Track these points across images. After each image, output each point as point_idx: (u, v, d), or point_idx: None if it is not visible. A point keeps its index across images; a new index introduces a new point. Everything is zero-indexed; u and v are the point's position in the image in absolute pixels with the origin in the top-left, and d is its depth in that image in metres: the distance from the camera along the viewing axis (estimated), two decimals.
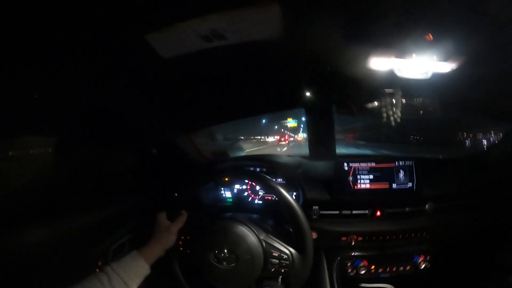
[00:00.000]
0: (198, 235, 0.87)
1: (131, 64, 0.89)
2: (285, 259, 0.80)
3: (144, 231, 1.05)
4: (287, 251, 0.81)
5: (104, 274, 0.69)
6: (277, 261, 0.81)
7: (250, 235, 0.82)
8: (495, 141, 1.42)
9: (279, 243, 0.83)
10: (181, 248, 0.89)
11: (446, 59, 0.93)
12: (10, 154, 1.07)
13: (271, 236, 0.84)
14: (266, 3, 0.65)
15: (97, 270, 0.87)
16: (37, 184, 1.06)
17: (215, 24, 0.67)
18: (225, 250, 0.80)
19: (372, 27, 0.82)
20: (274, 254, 0.81)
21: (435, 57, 0.93)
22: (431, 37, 0.85)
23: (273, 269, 0.81)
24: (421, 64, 0.94)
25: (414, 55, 0.91)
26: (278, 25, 0.72)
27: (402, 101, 1.07)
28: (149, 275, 0.78)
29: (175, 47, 0.75)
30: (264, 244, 0.82)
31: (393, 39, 0.87)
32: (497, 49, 0.89)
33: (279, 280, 0.85)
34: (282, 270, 0.81)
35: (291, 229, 0.98)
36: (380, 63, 0.95)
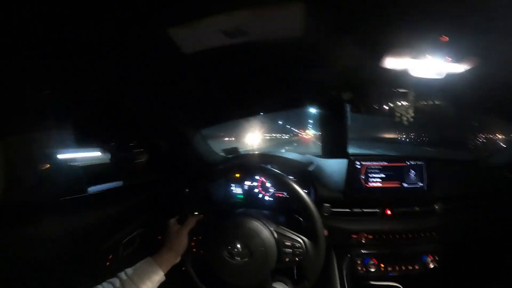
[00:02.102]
0: (209, 234, 0.87)
1: (146, 59, 0.89)
2: (298, 247, 0.81)
3: (154, 225, 1.06)
4: (299, 240, 0.81)
5: (118, 279, 0.70)
6: (291, 250, 0.81)
7: (262, 229, 0.82)
8: (507, 143, 1.42)
9: (290, 232, 0.83)
10: (194, 250, 0.89)
11: (460, 60, 0.93)
12: (20, 149, 1.07)
13: (282, 226, 0.85)
14: (290, 2, 0.65)
15: (107, 263, 0.89)
16: (49, 179, 1.07)
17: (240, 20, 0.67)
18: (238, 245, 0.80)
19: (388, 27, 0.83)
20: (286, 243, 0.81)
21: (449, 58, 0.93)
22: (446, 38, 0.86)
23: (287, 259, 0.81)
24: (435, 64, 0.95)
25: (428, 55, 0.92)
26: (300, 23, 0.73)
27: (415, 102, 1.08)
28: (164, 282, 0.78)
29: (197, 43, 0.75)
30: (276, 235, 0.82)
31: (408, 39, 0.87)
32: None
33: (294, 272, 0.85)
34: (297, 259, 0.81)
35: (301, 219, 0.99)
36: (394, 63, 0.95)
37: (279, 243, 0.82)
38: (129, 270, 0.73)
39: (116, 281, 0.70)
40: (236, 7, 0.65)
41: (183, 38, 0.75)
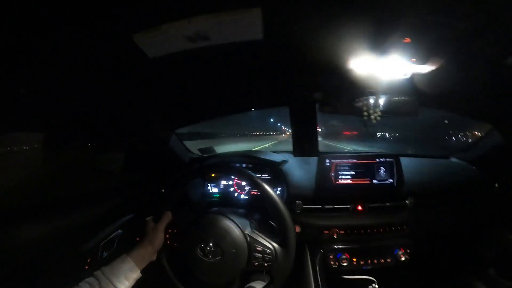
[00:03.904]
0: (184, 229, 0.90)
1: (118, 62, 0.89)
2: (268, 254, 0.83)
3: (133, 227, 1.07)
4: (270, 246, 0.83)
5: (95, 278, 0.71)
6: (261, 255, 0.83)
7: (234, 229, 0.84)
8: (476, 140, 1.47)
9: (263, 238, 0.85)
10: (168, 242, 0.92)
11: (425, 60, 0.97)
12: None
13: (255, 231, 0.87)
14: (248, 6, 0.68)
15: (86, 266, 0.89)
16: (26, 182, 1.06)
17: (199, 26, 0.69)
18: (211, 244, 0.83)
19: (353, 28, 0.85)
20: (257, 248, 0.84)
21: (413, 59, 0.96)
22: (409, 40, 0.89)
23: (256, 263, 0.84)
24: (400, 65, 0.98)
25: (393, 56, 0.95)
26: (260, 27, 0.75)
27: (382, 100, 1.11)
28: (141, 278, 0.79)
29: (160, 47, 0.77)
30: (248, 239, 0.84)
31: (372, 40, 0.90)
32: (474, 50, 0.92)
33: (264, 273, 0.88)
34: (266, 264, 0.83)
35: (275, 224, 1.02)
36: (360, 64, 0.99)
37: (251, 247, 0.84)
38: (105, 269, 0.74)
39: (92, 280, 0.70)
40: (194, 14, 0.67)
41: (147, 44, 0.77)
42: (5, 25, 0.59)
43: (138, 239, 0.93)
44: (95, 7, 0.62)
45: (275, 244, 0.84)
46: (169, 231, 0.92)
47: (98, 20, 0.67)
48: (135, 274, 0.78)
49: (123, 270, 0.76)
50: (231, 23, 0.72)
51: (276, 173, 1.21)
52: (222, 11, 0.68)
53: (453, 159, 1.45)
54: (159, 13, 0.67)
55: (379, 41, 0.90)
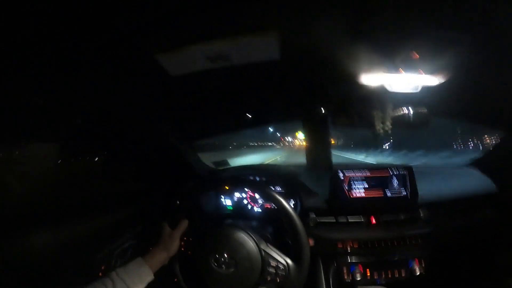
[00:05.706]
0: (199, 239, 0.92)
1: (137, 73, 0.92)
2: (282, 270, 0.84)
3: (147, 236, 1.08)
4: (284, 262, 0.85)
5: (109, 279, 0.71)
6: (274, 271, 0.84)
7: (249, 242, 0.86)
8: (489, 148, 1.46)
9: (277, 253, 0.87)
10: (182, 249, 0.93)
11: (433, 73, 0.99)
12: (13, 159, 1.10)
13: (270, 245, 0.88)
14: (265, 29, 0.71)
15: (100, 274, 0.91)
16: (41, 189, 1.09)
17: (221, 47, 0.73)
18: (225, 255, 0.85)
19: (363, 45, 0.88)
20: (271, 263, 0.85)
21: (422, 73, 0.99)
22: (417, 56, 0.92)
23: (269, 278, 0.85)
24: (410, 79, 1.00)
25: (402, 71, 0.98)
26: (276, 47, 0.79)
27: (393, 113, 1.13)
28: (152, 281, 0.80)
29: (182, 67, 0.81)
30: (263, 254, 0.86)
31: (382, 56, 0.93)
32: (482, 59, 0.94)
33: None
34: (278, 280, 0.84)
35: (290, 241, 1.03)
36: (371, 79, 1.01)
37: (265, 261, 0.85)
38: (120, 270, 0.74)
39: (107, 280, 0.71)
40: (217, 36, 0.71)
41: (169, 63, 0.81)
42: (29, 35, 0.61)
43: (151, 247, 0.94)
44: (119, 21, 0.64)
45: (289, 261, 0.85)
46: (185, 238, 0.94)
47: (119, 33, 0.69)
48: (149, 277, 0.78)
49: (138, 273, 0.77)
50: (250, 45, 0.76)
51: (289, 186, 1.22)
52: (242, 34, 0.72)
53: (467, 167, 1.44)
54: (183, 35, 0.71)
55: (390, 57, 0.93)
